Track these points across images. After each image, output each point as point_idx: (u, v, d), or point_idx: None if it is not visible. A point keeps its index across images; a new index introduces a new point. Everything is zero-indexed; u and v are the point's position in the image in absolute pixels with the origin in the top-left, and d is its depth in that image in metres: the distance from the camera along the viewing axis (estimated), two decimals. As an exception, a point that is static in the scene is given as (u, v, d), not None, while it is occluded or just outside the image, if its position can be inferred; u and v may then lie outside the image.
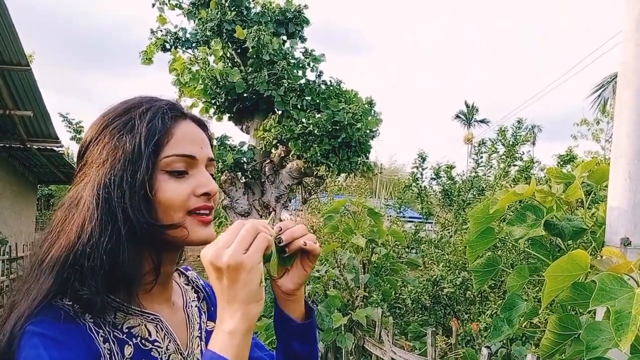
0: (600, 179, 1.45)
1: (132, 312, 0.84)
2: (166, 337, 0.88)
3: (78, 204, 0.81)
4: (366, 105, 9.38)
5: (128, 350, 0.81)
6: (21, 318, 0.75)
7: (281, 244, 0.81)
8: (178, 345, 0.90)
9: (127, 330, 0.82)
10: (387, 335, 2.56)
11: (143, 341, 0.84)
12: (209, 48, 9.55)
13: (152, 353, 0.84)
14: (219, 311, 0.74)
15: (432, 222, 8.66)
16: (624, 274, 0.97)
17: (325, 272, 2.98)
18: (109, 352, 0.78)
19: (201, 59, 9.49)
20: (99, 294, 0.76)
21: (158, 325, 0.87)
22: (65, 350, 0.72)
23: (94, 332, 0.77)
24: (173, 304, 0.95)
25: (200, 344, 0.96)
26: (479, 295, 5.08)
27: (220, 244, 0.72)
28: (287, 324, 0.92)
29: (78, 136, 13.03)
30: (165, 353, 0.87)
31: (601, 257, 1.10)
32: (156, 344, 0.86)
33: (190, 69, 9.58)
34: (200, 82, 9.25)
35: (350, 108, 8.96)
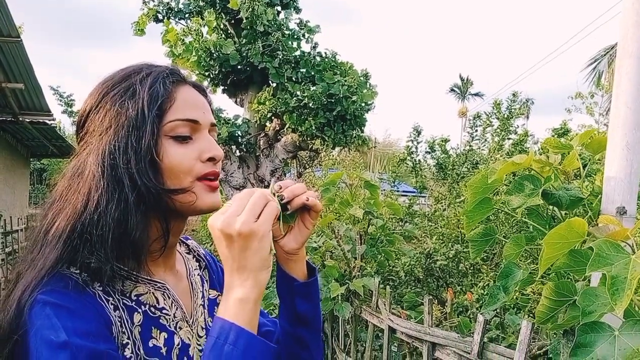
0: (597, 149, 1.46)
1: (140, 280, 0.84)
2: (173, 304, 0.89)
3: (82, 173, 0.80)
4: (361, 78, 9.32)
5: (137, 318, 0.81)
6: (28, 288, 0.74)
7: (283, 201, 0.82)
8: (184, 312, 0.90)
9: (135, 298, 0.83)
10: (385, 304, 2.60)
11: (152, 309, 0.85)
12: (202, 19, 9.40)
13: (160, 320, 0.85)
14: (227, 279, 0.74)
15: (425, 196, 8.71)
16: (621, 240, 0.99)
17: (323, 244, 3.01)
18: (119, 319, 0.78)
19: (194, 30, 9.35)
20: (108, 262, 0.76)
21: (165, 293, 0.88)
22: (78, 319, 0.72)
23: (104, 300, 0.78)
24: (177, 272, 0.95)
25: (204, 312, 0.97)
26: (472, 268, 5.15)
27: (230, 212, 0.72)
28: (291, 283, 0.92)
29: (69, 109, 12.84)
30: (172, 320, 0.87)
31: (597, 225, 1.12)
32: (164, 311, 0.86)
33: (183, 40, 9.45)
34: (193, 53, 9.13)
35: (345, 80, 8.89)
